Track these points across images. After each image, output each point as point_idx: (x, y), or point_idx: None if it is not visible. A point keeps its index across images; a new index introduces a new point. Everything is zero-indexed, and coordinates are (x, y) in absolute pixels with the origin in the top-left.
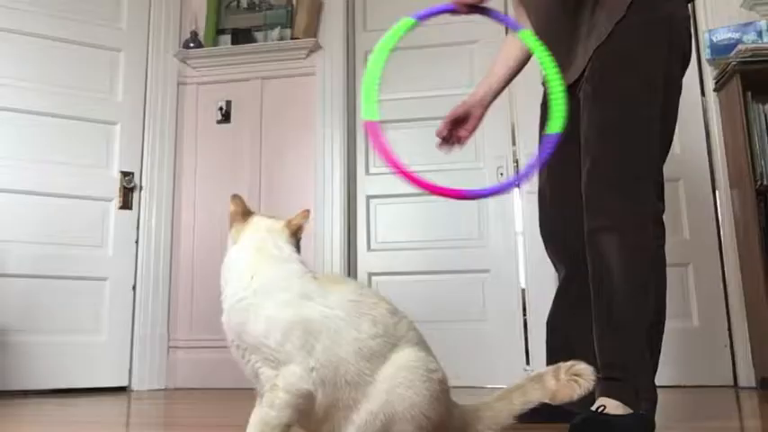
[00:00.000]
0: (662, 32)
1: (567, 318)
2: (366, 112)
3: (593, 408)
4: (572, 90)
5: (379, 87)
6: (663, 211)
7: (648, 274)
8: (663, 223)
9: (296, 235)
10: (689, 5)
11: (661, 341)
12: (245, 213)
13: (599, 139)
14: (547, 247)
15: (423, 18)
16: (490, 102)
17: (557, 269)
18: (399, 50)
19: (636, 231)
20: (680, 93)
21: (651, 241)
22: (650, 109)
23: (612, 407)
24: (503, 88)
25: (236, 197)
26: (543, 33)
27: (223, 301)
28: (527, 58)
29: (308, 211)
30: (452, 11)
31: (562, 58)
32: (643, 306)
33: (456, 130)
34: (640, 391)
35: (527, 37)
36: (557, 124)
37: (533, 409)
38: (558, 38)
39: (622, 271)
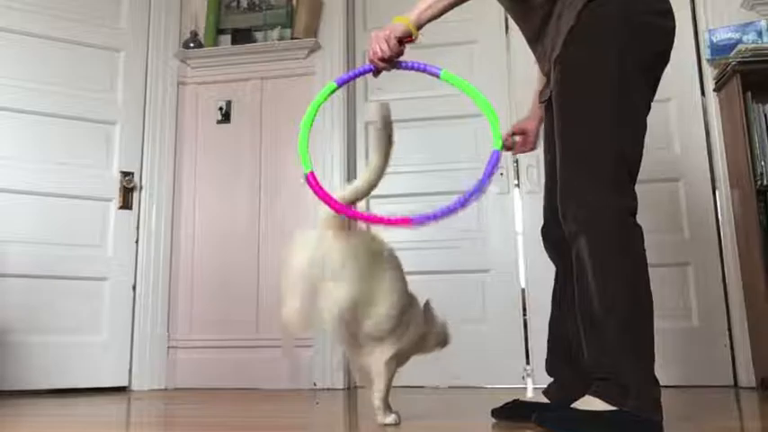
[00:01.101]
0: (610, 35)
1: (561, 316)
2: (305, 165)
3: (575, 405)
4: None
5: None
6: (633, 207)
7: (619, 270)
8: (633, 219)
9: None
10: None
11: (649, 337)
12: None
13: (560, 146)
14: (545, 248)
15: (343, 83)
16: (535, 113)
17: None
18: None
19: (601, 229)
20: (641, 91)
21: (619, 238)
22: (601, 112)
23: (597, 405)
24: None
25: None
26: (533, 52)
27: None
28: None
29: None
30: (372, 71)
31: (546, 72)
32: (616, 303)
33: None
34: (629, 389)
35: (448, 77)
36: (497, 142)
37: (517, 408)
38: (539, 55)
39: (593, 270)
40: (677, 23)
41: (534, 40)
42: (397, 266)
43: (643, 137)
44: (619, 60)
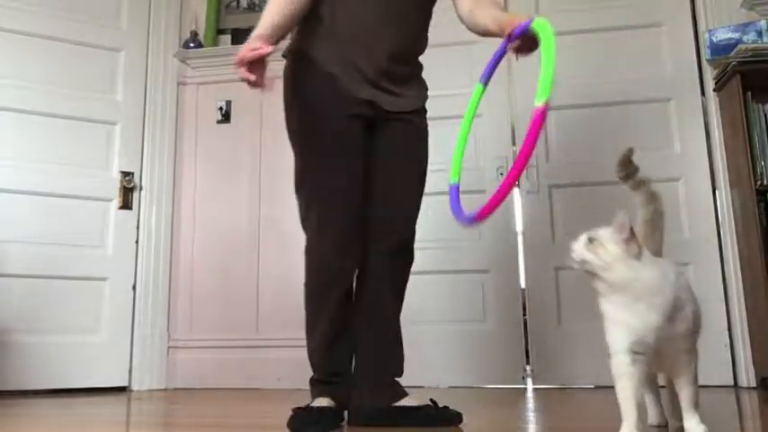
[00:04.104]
0: None
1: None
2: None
3: (428, 402)
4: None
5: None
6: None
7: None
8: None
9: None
10: None
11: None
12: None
13: (415, 177)
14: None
15: (488, 79)
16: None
17: None
18: None
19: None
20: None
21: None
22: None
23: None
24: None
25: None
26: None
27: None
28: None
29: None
30: (504, 52)
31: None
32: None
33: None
34: None
35: (540, 27)
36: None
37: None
38: (400, 75)
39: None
40: (678, 24)
41: (405, 62)
42: None
43: None
44: None
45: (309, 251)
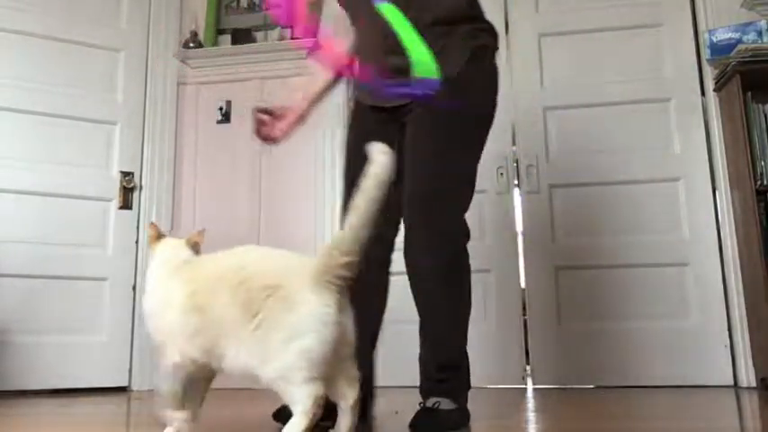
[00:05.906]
0: None
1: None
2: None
3: (429, 405)
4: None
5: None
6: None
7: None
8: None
9: (195, 249)
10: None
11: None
12: (159, 236)
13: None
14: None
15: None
16: (305, 115)
17: None
18: None
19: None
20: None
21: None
22: None
23: (445, 404)
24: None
25: (152, 224)
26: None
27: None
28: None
29: (203, 230)
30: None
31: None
32: (463, 309)
33: (272, 124)
34: (464, 388)
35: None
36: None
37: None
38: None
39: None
40: (678, 24)
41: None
42: None
43: None
44: None
45: None
